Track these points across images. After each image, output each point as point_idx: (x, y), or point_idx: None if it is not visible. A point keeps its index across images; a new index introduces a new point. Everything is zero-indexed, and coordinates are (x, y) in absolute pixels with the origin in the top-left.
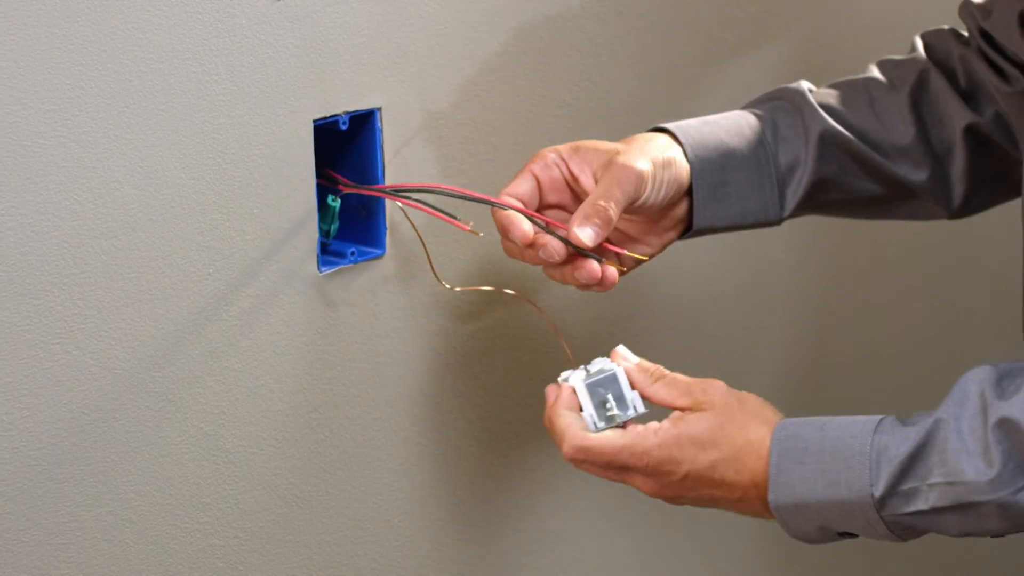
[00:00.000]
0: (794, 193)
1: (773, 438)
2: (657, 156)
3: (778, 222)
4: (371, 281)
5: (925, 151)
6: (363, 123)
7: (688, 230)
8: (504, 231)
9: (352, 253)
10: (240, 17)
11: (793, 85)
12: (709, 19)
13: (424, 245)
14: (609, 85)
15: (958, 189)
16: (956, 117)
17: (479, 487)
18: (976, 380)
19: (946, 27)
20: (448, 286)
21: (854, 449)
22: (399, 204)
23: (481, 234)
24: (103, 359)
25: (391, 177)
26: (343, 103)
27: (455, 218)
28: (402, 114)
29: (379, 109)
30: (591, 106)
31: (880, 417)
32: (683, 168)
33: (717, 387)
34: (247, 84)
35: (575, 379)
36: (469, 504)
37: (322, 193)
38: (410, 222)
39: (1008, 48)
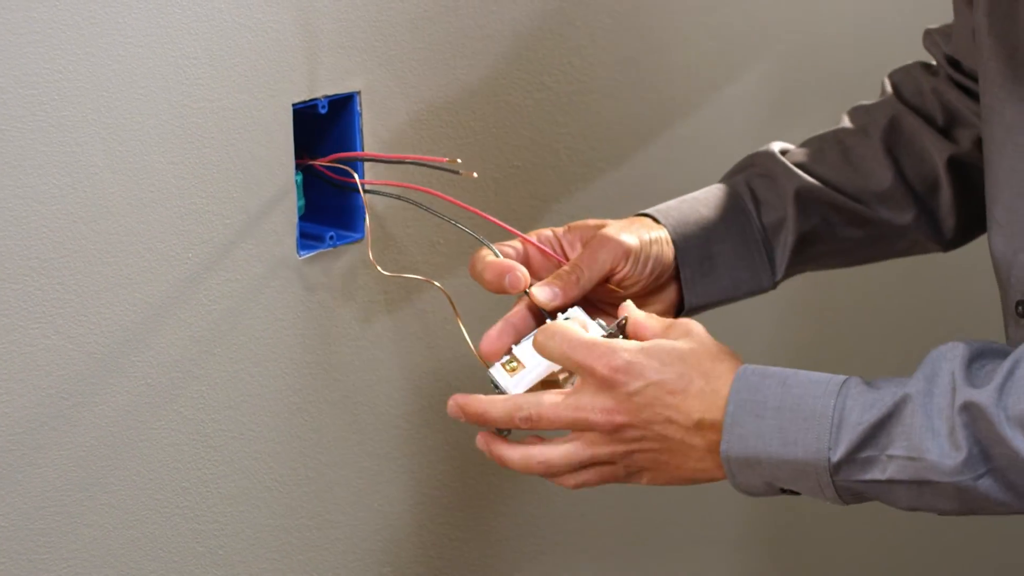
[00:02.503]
0: (782, 254)
1: (733, 385)
2: (644, 234)
3: (772, 287)
4: (350, 265)
5: (906, 192)
6: (343, 107)
7: (680, 311)
8: (473, 267)
9: (331, 237)
10: (219, 0)
11: (763, 149)
12: (689, 1)
13: (368, 228)
14: (589, 68)
15: (948, 223)
16: (936, 152)
17: (460, 472)
18: (948, 358)
19: (914, 62)
20: (382, 271)
21: (816, 410)
22: (380, 187)
23: (475, 175)
24: (82, 344)
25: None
26: (323, 87)
27: (451, 168)
28: (382, 98)
29: (358, 93)
30: (570, 89)
31: (845, 378)
32: (667, 248)
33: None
34: (226, 68)
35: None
36: (450, 489)
37: (307, 181)
38: (390, 193)
39: (971, 69)
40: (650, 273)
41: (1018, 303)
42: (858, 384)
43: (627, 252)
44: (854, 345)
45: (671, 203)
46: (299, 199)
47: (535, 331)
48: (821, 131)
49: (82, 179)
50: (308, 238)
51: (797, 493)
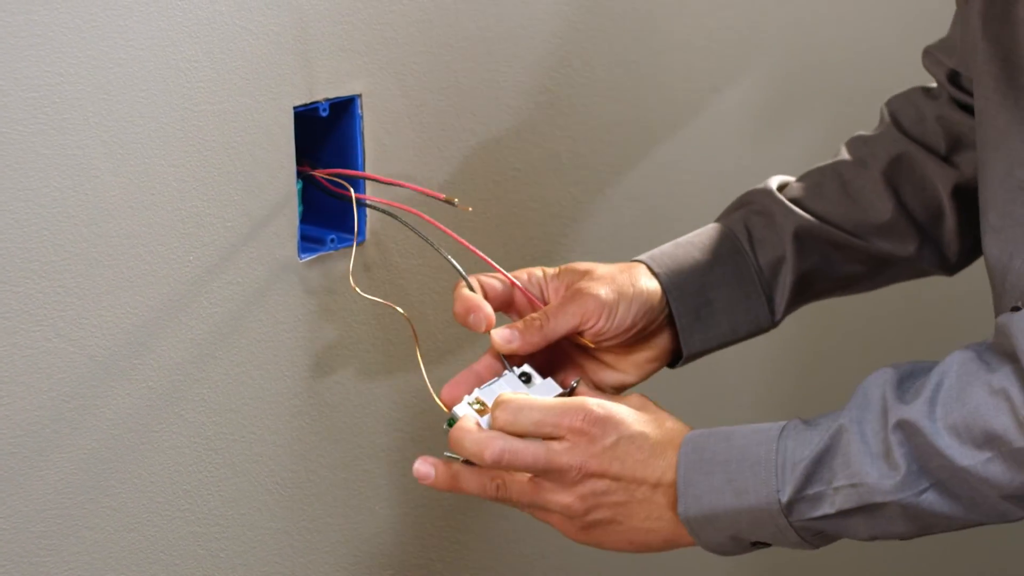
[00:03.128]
0: (781, 294)
1: (680, 451)
2: (626, 287)
3: (773, 327)
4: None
5: (908, 223)
6: (344, 110)
7: (678, 358)
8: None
9: (332, 240)
10: (220, 3)
11: (760, 186)
12: (691, 3)
13: (354, 245)
14: (589, 71)
15: (952, 248)
16: (939, 181)
17: None
18: (878, 383)
19: (913, 87)
20: (357, 289)
21: (760, 456)
22: (379, 205)
23: (470, 209)
24: (84, 347)
25: (371, 164)
26: (324, 90)
27: (448, 201)
28: (383, 101)
29: (360, 96)
30: (571, 92)
31: (785, 422)
32: (656, 298)
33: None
34: (227, 71)
35: (504, 383)
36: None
37: (307, 185)
38: (382, 209)
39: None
40: (631, 327)
41: (1013, 308)
42: (796, 425)
43: (600, 307)
44: (851, 352)
45: (666, 247)
46: (299, 205)
47: (496, 380)
48: (821, 132)
49: (83, 182)
50: (309, 241)
51: (769, 545)
